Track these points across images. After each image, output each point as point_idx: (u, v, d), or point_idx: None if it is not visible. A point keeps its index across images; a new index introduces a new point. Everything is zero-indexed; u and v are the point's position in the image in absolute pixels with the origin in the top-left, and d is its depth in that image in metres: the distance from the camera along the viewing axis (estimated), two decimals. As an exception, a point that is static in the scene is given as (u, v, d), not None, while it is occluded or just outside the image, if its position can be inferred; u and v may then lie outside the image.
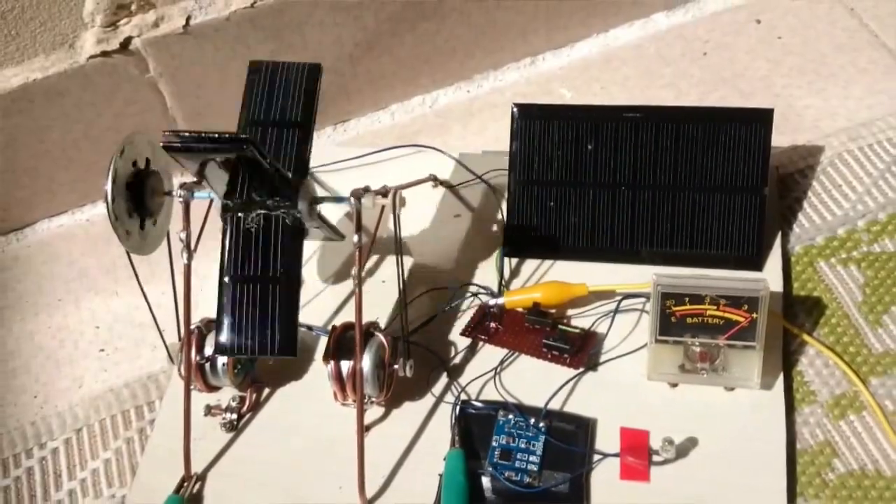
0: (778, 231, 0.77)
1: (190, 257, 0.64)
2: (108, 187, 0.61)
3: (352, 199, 0.61)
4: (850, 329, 0.71)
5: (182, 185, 0.64)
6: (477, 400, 0.70)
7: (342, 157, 0.83)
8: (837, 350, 0.70)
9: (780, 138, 0.82)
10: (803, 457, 0.65)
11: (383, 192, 0.62)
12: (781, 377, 0.68)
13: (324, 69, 0.68)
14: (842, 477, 0.64)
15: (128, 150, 0.63)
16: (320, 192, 0.67)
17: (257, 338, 0.63)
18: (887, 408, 0.67)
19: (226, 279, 0.63)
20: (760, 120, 0.73)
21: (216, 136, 0.55)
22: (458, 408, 0.69)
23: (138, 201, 0.63)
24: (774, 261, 0.75)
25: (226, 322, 0.64)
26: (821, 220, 0.78)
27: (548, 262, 0.78)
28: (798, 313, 0.72)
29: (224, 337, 0.64)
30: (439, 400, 0.70)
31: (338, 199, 0.62)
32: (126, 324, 0.80)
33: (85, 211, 0.90)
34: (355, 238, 0.61)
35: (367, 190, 0.61)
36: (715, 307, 0.65)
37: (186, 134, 0.55)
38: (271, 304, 0.63)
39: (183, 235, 0.64)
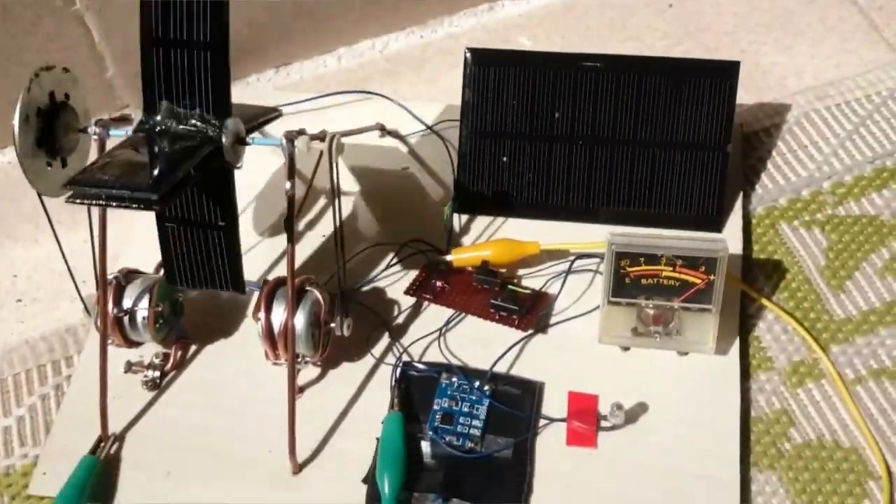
0: (740, 192, 0.73)
1: (107, 202, 0.59)
2: (16, 122, 0.56)
3: (283, 142, 0.56)
4: (812, 294, 0.68)
5: (98, 122, 0.59)
6: (419, 362, 0.66)
7: (283, 101, 0.78)
8: (797, 315, 0.67)
9: (746, 96, 0.78)
10: (758, 425, 0.62)
11: (320, 137, 0.57)
12: (737, 342, 0.65)
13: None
14: (798, 447, 0.61)
15: (40, 81, 0.57)
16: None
17: (206, 275, 0.61)
18: (847, 376, 0.64)
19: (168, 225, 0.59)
20: (726, 73, 0.69)
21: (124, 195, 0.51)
22: (398, 369, 0.65)
23: (50, 138, 0.58)
24: (735, 222, 0.71)
25: (174, 261, 0.61)
26: (785, 181, 0.74)
27: (500, 220, 0.74)
28: (757, 277, 0.69)
29: (172, 272, 0.61)
30: (379, 361, 0.66)
31: (268, 142, 0.57)
32: (45, 273, 0.75)
33: (6, 153, 0.84)
34: (287, 185, 0.56)
35: (301, 132, 0.57)
36: (671, 268, 0.62)
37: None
38: (214, 248, 0.60)
39: (100, 177, 0.58)
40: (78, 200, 0.52)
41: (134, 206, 0.51)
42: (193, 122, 0.55)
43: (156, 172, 0.52)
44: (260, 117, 0.64)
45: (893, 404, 0.63)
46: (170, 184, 0.52)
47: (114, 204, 0.51)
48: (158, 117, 0.55)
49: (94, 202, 0.52)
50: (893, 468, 0.60)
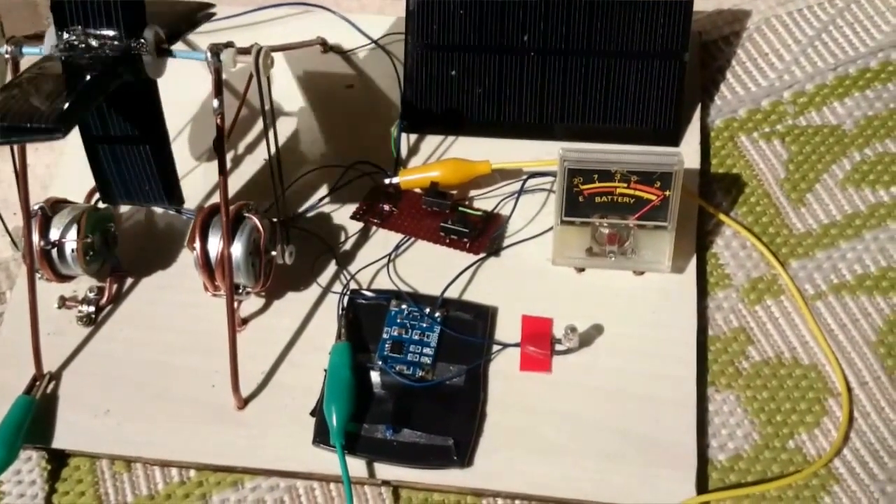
0: (698, 104, 0.70)
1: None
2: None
3: (208, 56, 0.52)
4: (771, 208, 0.66)
5: (10, 39, 0.54)
6: (367, 289, 0.63)
7: (217, 15, 0.73)
8: (756, 231, 0.65)
9: (704, 3, 0.75)
10: (716, 344, 0.61)
11: (248, 50, 0.53)
12: (695, 260, 0.63)
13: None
14: (756, 365, 0.60)
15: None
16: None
17: (141, 190, 0.58)
18: (807, 292, 0.63)
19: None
20: (683, -24, 0.66)
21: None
22: (345, 298, 0.63)
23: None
24: (693, 135, 0.68)
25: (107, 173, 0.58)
26: (744, 92, 0.72)
27: (450, 139, 0.70)
28: (715, 192, 0.67)
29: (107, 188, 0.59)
30: (326, 290, 0.64)
31: (191, 55, 0.53)
32: (-28, 207, 0.71)
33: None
34: (214, 103, 0.53)
35: (228, 45, 0.52)
36: (625, 184, 0.59)
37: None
38: (146, 163, 0.57)
39: (13, 100, 0.54)
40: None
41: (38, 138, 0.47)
42: (108, 42, 0.51)
43: (65, 106, 0.47)
44: (190, 16, 0.60)
45: (854, 319, 0.61)
46: (75, 116, 0.48)
47: (14, 138, 0.48)
48: (72, 36, 0.50)
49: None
50: (853, 384, 0.59)
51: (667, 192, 0.59)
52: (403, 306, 0.62)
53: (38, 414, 0.59)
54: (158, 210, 0.67)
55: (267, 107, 0.58)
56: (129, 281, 0.65)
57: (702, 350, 0.60)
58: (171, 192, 0.60)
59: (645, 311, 0.61)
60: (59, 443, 0.59)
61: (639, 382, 0.58)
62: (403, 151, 0.69)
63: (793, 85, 0.72)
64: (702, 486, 0.56)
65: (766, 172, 0.68)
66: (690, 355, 0.59)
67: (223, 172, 0.56)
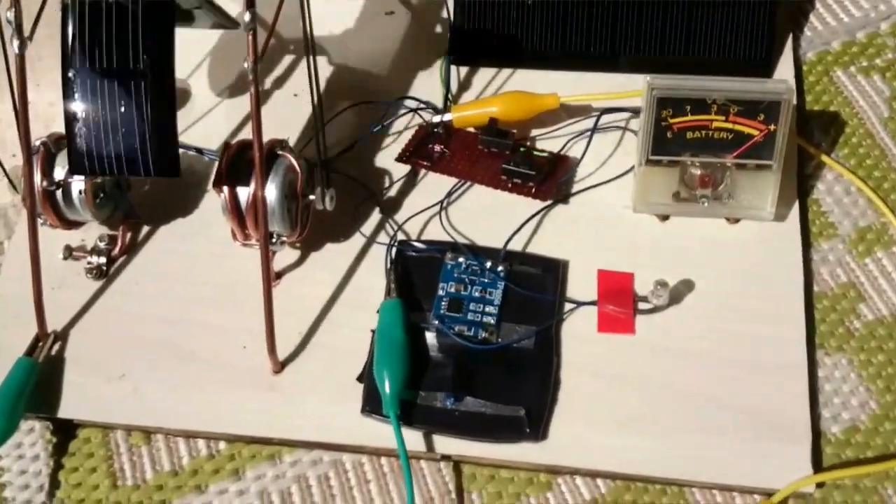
0: (788, 34, 0.62)
1: (23, 45, 0.47)
2: None
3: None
4: (875, 150, 0.59)
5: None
6: (418, 240, 0.56)
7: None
8: (860, 174, 0.57)
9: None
10: (822, 301, 0.53)
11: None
12: (797, 206, 0.55)
13: None
14: (869, 325, 0.53)
15: None
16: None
17: (124, 152, 0.48)
18: (921, 243, 0.55)
19: (71, 73, 0.47)
20: None
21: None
22: (394, 249, 0.55)
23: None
24: (785, 67, 0.61)
25: (79, 130, 0.48)
26: (836, 23, 0.64)
27: (506, 72, 0.63)
28: (813, 131, 0.59)
29: (78, 150, 0.48)
30: (370, 240, 0.56)
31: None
32: (-35, 147, 0.63)
33: None
34: (246, 16, 0.45)
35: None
36: (723, 117, 0.51)
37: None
38: (138, 107, 0.48)
39: (11, 15, 0.46)
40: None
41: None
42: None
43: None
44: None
45: (980, 272, 0.54)
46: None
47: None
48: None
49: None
50: (985, 345, 0.52)
51: (772, 127, 0.51)
52: (461, 259, 0.54)
53: (41, 379, 0.52)
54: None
55: (307, 27, 0.50)
56: (146, 229, 0.57)
57: (808, 308, 0.53)
58: (165, 157, 0.50)
59: (742, 264, 0.53)
60: (66, 412, 0.52)
61: (737, 345, 0.51)
62: (453, 86, 0.62)
63: (890, 15, 0.64)
64: (816, 462, 0.48)
65: (867, 110, 0.60)
66: (797, 314, 0.52)
67: (256, 102, 0.47)
